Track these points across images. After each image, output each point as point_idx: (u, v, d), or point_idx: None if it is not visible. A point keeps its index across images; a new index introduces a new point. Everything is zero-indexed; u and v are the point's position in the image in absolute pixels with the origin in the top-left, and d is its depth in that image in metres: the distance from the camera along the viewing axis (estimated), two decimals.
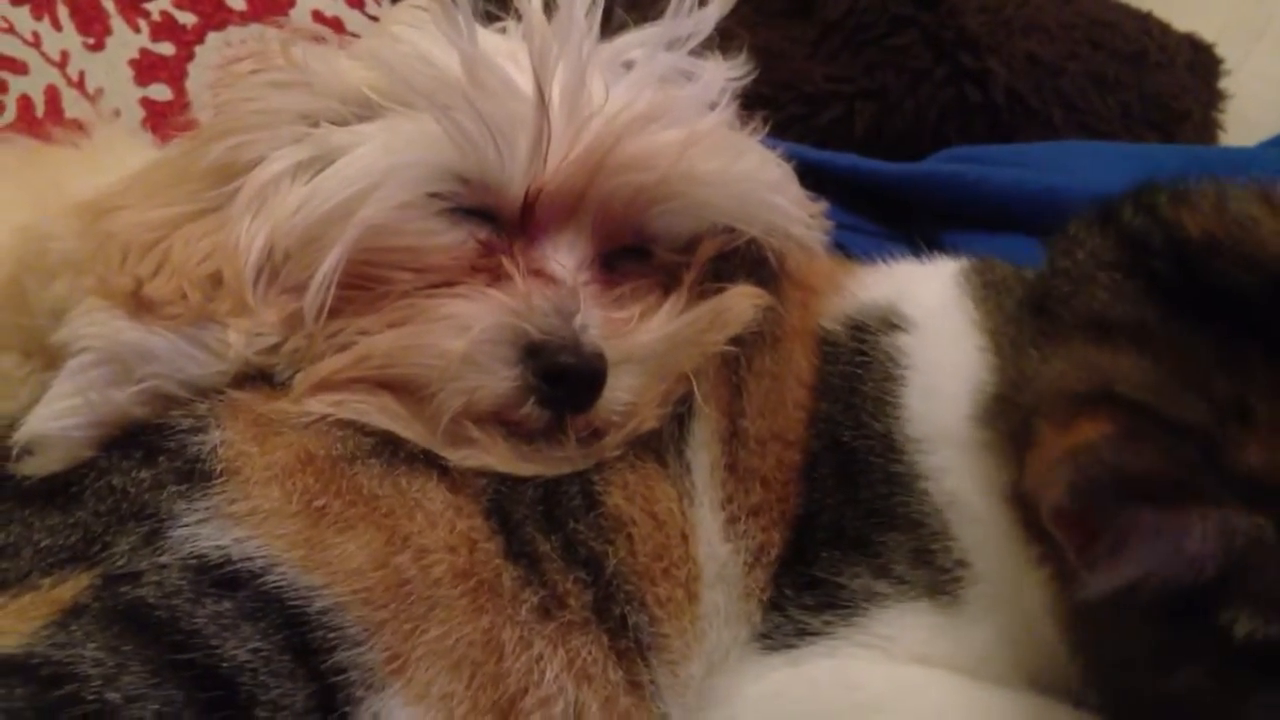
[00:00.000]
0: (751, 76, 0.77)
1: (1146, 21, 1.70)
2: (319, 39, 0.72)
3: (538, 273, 0.66)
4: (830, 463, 0.64)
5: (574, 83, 0.66)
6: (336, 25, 1.25)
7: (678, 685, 0.60)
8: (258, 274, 0.66)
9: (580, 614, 0.59)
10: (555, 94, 0.66)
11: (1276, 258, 0.55)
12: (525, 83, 0.66)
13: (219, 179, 0.68)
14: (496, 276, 0.66)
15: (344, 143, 0.67)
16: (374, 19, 1.32)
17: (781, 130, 1.32)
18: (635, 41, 0.72)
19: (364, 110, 0.69)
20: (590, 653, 0.58)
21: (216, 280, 0.65)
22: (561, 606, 0.59)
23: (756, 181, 0.69)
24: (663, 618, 0.61)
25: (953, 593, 0.60)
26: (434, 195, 0.67)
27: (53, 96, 1.08)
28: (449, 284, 0.66)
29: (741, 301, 0.67)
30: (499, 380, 0.63)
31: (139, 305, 0.63)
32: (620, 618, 0.60)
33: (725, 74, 0.73)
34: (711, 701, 0.61)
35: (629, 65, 0.71)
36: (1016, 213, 1.02)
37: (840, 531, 0.62)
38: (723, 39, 1.43)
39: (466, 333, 0.63)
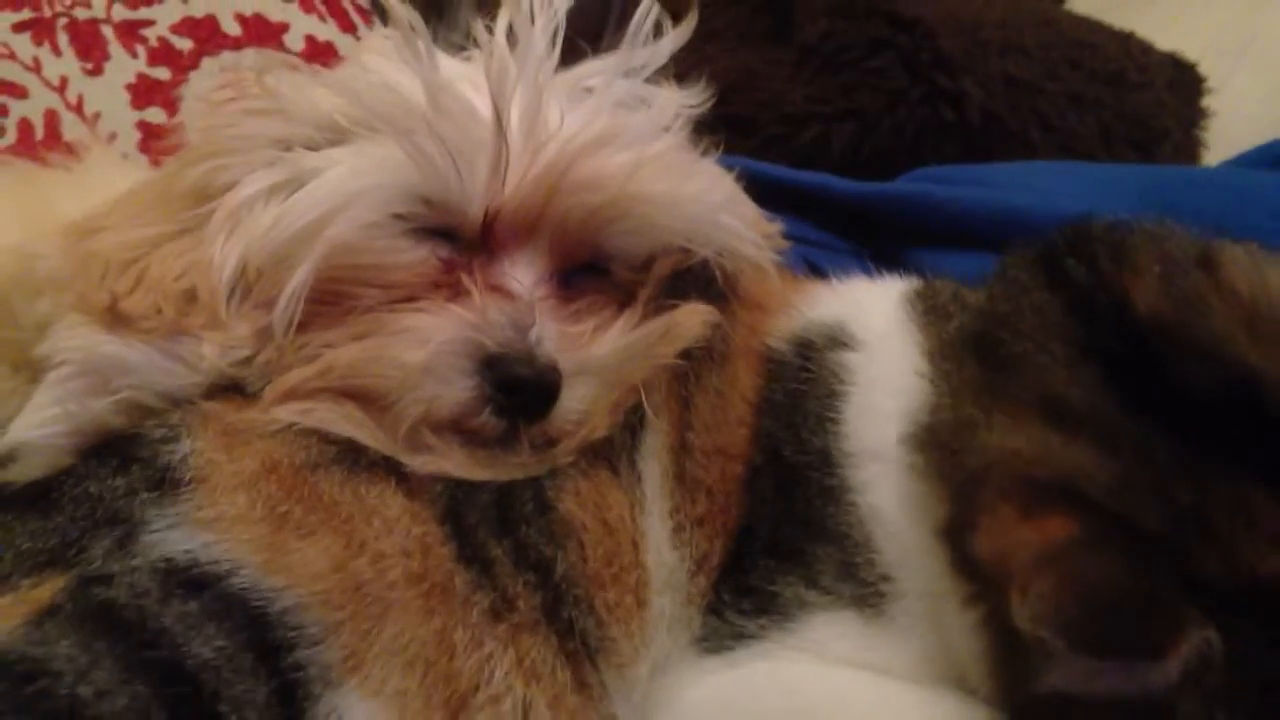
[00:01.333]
0: (709, 103, 0.79)
1: (1127, 42, 1.72)
2: (293, 68, 0.75)
3: (496, 289, 0.70)
4: (770, 476, 0.66)
5: (531, 108, 0.70)
6: (329, 50, 1.29)
7: (625, 686, 0.63)
8: (231, 290, 0.69)
9: (529, 616, 0.62)
10: (514, 119, 0.69)
11: (1221, 351, 0.55)
12: (485, 108, 0.69)
13: (196, 201, 0.71)
14: (457, 293, 0.69)
15: (315, 166, 0.71)
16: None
17: (762, 150, 1.37)
18: (594, 69, 0.75)
19: (335, 135, 0.72)
20: (539, 653, 0.61)
21: (191, 296, 0.69)
22: (511, 609, 0.62)
23: (705, 203, 0.72)
24: (610, 622, 0.63)
25: (877, 606, 0.62)
26: (398, 216, 0.70)
27: (51, 120, 1.12)
28: (412, 300, 0.69)
29: (691, 318, 0.70)
30: (456, 390, 0.66)
31: (116, 320, 0.66)
32: (569, 620, 0.62)
33: (679, 100, 0.76)
34: (655, 704, 0.63)
35: (588, 91, 0.74)
36: (980, 232, 1.04)
37: (776, 542, 0.65)
38: (702, 62, 1.46)
39: (426, 345, 0.66)
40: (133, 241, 0.70)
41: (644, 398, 0.68)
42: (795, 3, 1.47)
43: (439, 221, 0.70)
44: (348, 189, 0.69)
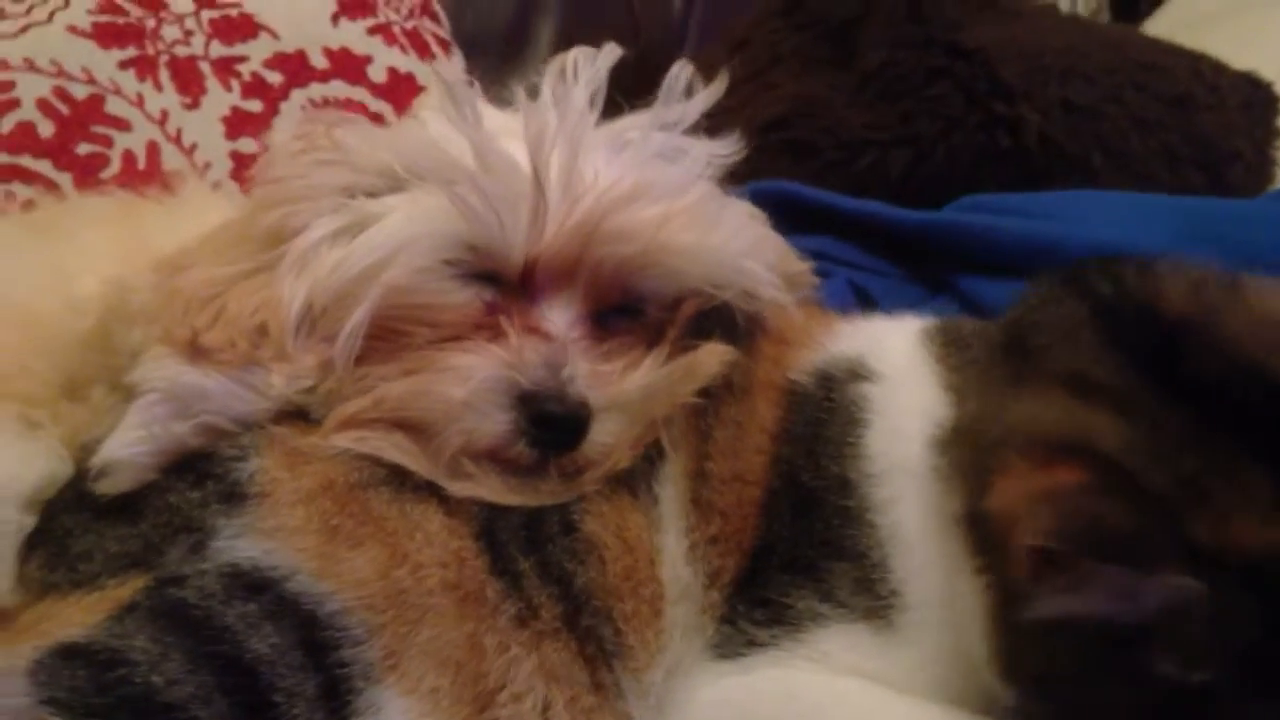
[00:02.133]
0: (741, 154, 0.85)
1: (1198, 63, 1.73)
2: (355, 121, 0.83)
3: (534, 330, 0.76)
4: (788, 500, 0.72)
5: (569, 162, 0.76)
6: (410, 81, 1.37)
7: (640, 689, 0.70)
8: (298, 326, 0.77)
9: (552, 624, 0.69)
10: (553, 172, 0.76)
11: (1238, 349, 0.61)
12: (526, 162, 0.76)
13: (270, 243, 0.79)
14: (498, 333, 0.76)
15: (375, 213, 0.78)
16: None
17: (821, 174, 1.43)
18: (632, 124, 0.82)
19: (394, 184, 0.80)
20: (559, 657, 0.68)
21: (263, 330, 0.77)
22: (536, 617, 0.69)
23: (728, 251, 0.78)
24: (627, 630, 0.70)
25: (887, 617, 0.67)
26: (447, 261, 0.77)
27: (152, 151, 1.22)
28: (458, 339, 0.77)
29: (710, 358, 0.76)
30: (494, 424, 0.73)
31: (196, 352, 0.75)
32: (587, 628, 0.69)
33: (711, 152, 0.82)
34: (670, 704, 0.70)
35: (626, 144, 0.80)
36: (1016, 260, 1.09)
37: (793, 559, 0.70)
38: (767, 88, 1.52)
39: (468, 382, 0.74)
40: (213, 279, 0.78)
41: (662, 431, 0.74)
42: (858, 31, 1.51)
43: (483, 267, 0.77)
44: (402, 236, 0.77)
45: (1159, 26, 2.17)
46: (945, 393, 0.69)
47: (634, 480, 0.74)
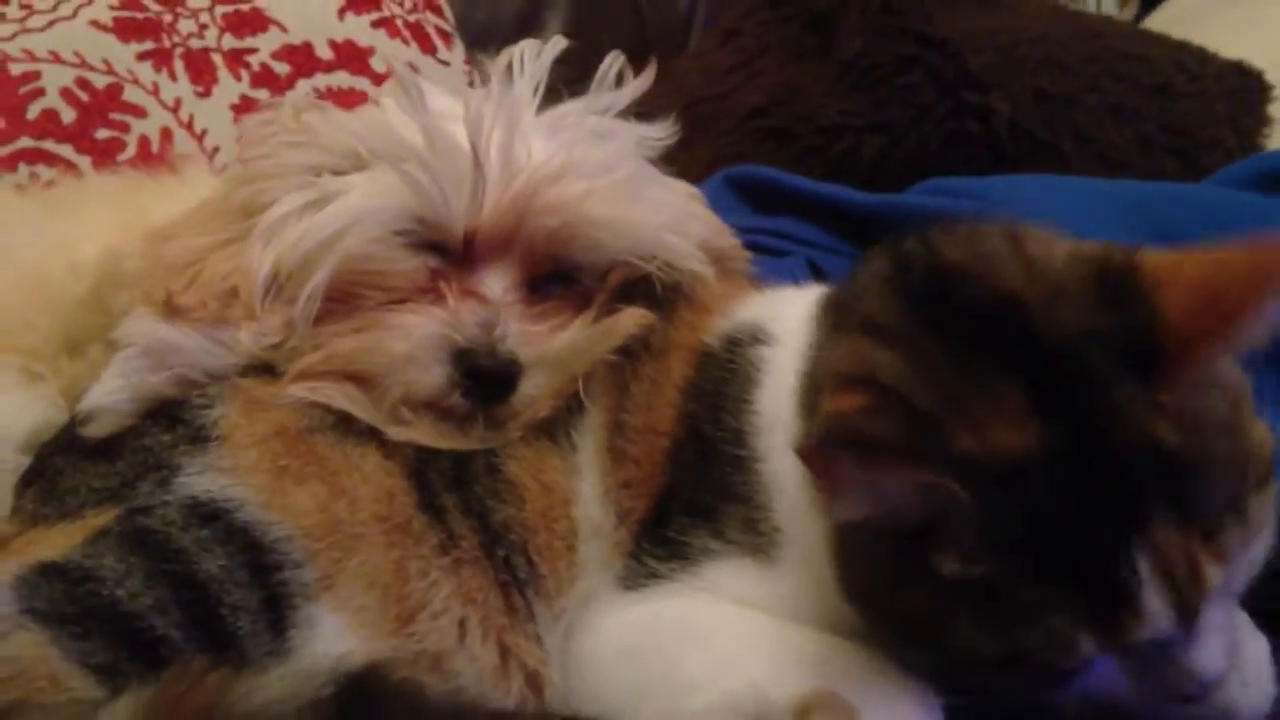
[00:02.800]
0: (674, 138, 0.94)
1: (1181, 52, 1.78)
2: (321, 108, 0.92)
3: (472, 294, 0.85)
4: (691, 449, 0.80)
5: (506, 143, 0.85)
6: (412, 70, 1.46)
7: (551, 614, 0.78)
8: (266, 290, 0.86)
9: (471, 553, 0.78)
10: (493, 152, 0.85)
11: (1002, 287, 0.68)
12: (466, 144, 0.85)
13: (243, 216, 0.88)
14: (439, 297, 0.85)
15: (338, 190, 0.87)
16: (444, 63, 1.53)
17: (800, 159, 1.52)
18: (568, 110, 0.90)
19: (357, 164, 0.89)
20: (476, 582, 0.77)
21: (234, 293, 0.86)
22: (456, 546, 0.78)
23: (647, 225, 0.86)
24: (540, 562, 0.79)
25: (767, 552, 0.75)
26: (397, 232, 0.86)
27: (166, 136, 1.32)
28: (405, 302, 0.85)
29: (629, 321, 0.85)
30: (431, 376, 0.82)
31: (172, 311, 0.84)
32: (504, 559, 0.78)
33: (642, 134, 0.91)
34: (578, 630, 0.79)
35: (561, 128, 0.89)
36: None
37: (692, 502, 0.78)
38: (753, 76, 1.60)
39: (409, 339, 0.82)
40: (191, 248, 0.87)
41: (581, 385, 0.82)
42: (838, 21, 1.58)
43: (429, 238, 0.86)
44: (359, 210, 0.86)
45: (1170, 12, 2.21)
46: (809, 348, 0.76)
47: (556, 429, 0.82)
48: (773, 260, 1.22)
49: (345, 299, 0.86)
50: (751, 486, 0.77)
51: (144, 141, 1.31)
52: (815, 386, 0.73)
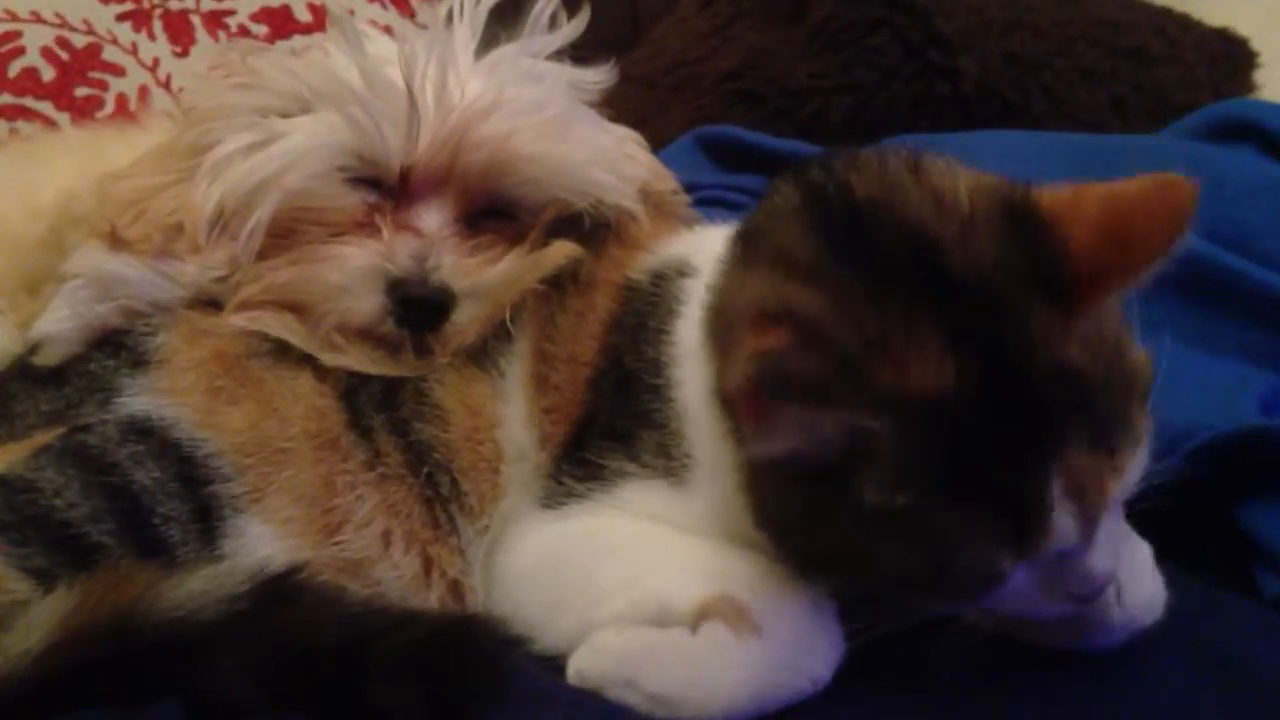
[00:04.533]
0: (611, 81, 0.97)
1: (1162, 18, 1.79)
2: (269, 52, 0.96)
3: (408, 228, 0.88)
4: (611, 378, 0.82)
5: (441, 82, 0.88)
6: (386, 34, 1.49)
7: (474, 529, 0.82)
8: (212, 226, 0.89)
9: (396, 470, 0.81)
10: (428, 91, 0.88)
11: (913, 221, 0.70)
12: (402, 84, 0.88)
13: (191, 155, 0.92)
14: (376, 231, 0.88)
15: (283, 130, 0.91)
16: (423, 26, 1.55)
17: (770, 121, 1.55)
18: (504, 52, 0.93)
19: (304, 106, 0.92)
20: (400, 497, 0.81)
21: (180, 229, 0.89)
22: (382, 463, 0.81)
23: (573, 161, 0.89)
24: (464, 480, 0.82)
25: (679, 475, 0.78)
26: (338, 169, 0.89)
27: (143, 94, 1.36)
28: (344, 235, 0.89)
29: (557, 253, 0.88)
30: (365, 304, 0.85)
31: (118, 244, 0.88)
32: (428, 475, 0.81)
33: (576, 77, 0.94)
34: (500, 546, 0.82)
35: (495, 69, 0.92)
36: None
37: (610, 428, 0.81)
38: (729, 41, 1.62)
39: (344, 269, 0.86)
40: (140, 186, 0.91)
41: (507, 314, 0.85)
42: None
43: (368, 173, 0.89)
44: (301, 147, 0.89)
45: None
46: (715, 276, 0.79)
47: (484, 357, 0.85)
48: (730, 213, 1.24)
49: (287, 234, 0.89)
50: (666, 414, 0.79)
51: (122, 99, 1.35)
52: (726, 320, 0.74)
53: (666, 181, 0.99)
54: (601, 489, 0.80)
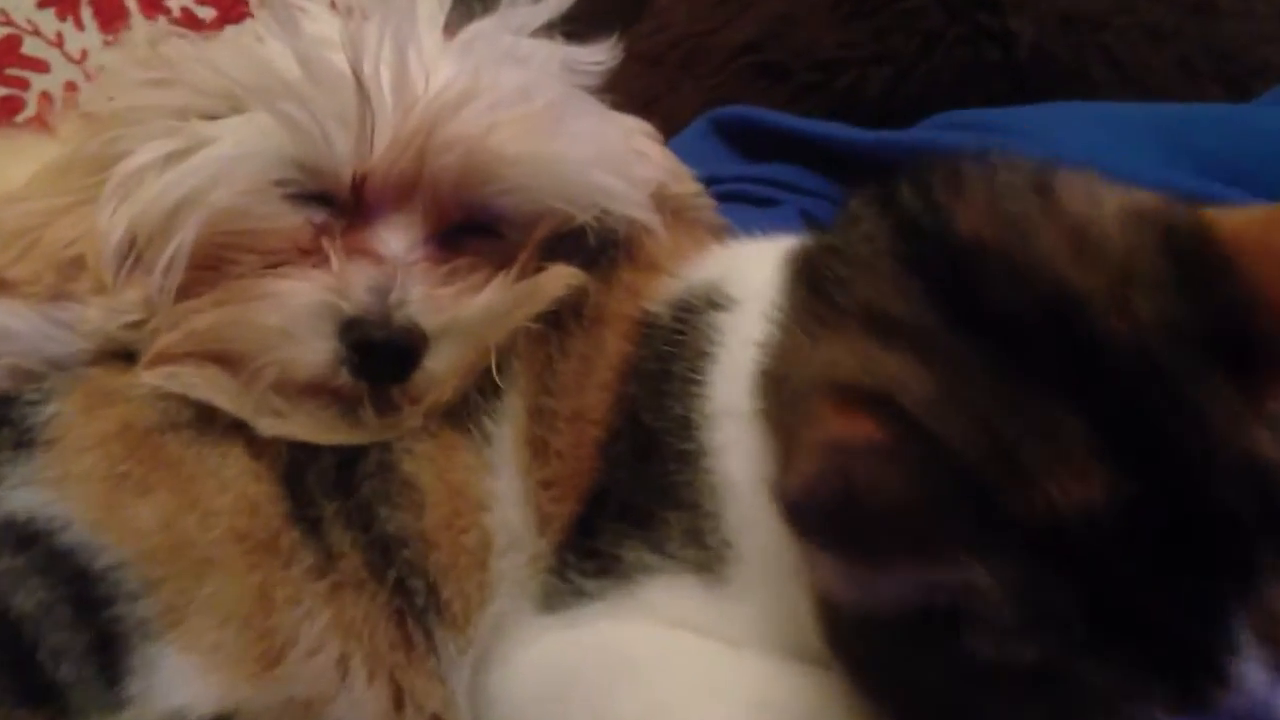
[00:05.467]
0: (613, 61, 0.79)
1: None
2: (187, 38, 0.77)
3: (364, 252, 0.70)
4: (628, 442, 0.65)
5: (399, 68, 0.70)
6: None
7: (456, 646, 0.64)
8: (121, 257, 0.72)
9: (354, 575, 0.63)
10: (384, 80, 0.70)
11: (1047, 271, 0.52)
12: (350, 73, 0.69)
13: (94, 171, 0.74)
14: (325, 258, 0.70)
15: (209, 135, 0.73)
16: None
17: (797, 98, 1.36)
18: (479, 29, 0.75)
19: (235, 105, 0.74)
20: (360, 611, 0.63)
21: (80, 263, 0.72)
22: (334, 568, 0.63)
23: (571, 162, 0.71)
24: (443, 583, 0.64)
25: (717, 570, 0.61)
26: (277, 183, 0.71)
27: (71, 91, 1.17)
28: (286, 265, 0.71)
29: (554, 281, 0.69)
30: (312, 352, 0.67)
31: (1, 287, 0.70)
32: (397, 581, 0.63)
33: (570, 57, 0.75)
34: (490, 663, 0.64)
35: (469, 50, 0.74)
36: None
37: (626, 507, 0.64)
38: (742, 10, 1.45)
39: (284, 308, 0.68)
40: (31, 212, 0.73)
41: (493, 362, 0.67)
42: None
43: (314, 187, 0.71)
44: (229, 157, 0.71)
45: None
46: (773, 318, 0.61)
47: (465, 416, 0.68)
48: (758, 211, 1.08)
49: (215, 266, 0.72)
50: (698, 489, 0.62)
51: (45, 99, 1.19)
52: (788, 391, 0.57)
53: (686, 183, 0.82)
54: (618, 587, 0.63)
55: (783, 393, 0.58)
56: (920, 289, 0.54)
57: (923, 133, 1.15)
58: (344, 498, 0.65)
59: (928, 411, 0.49)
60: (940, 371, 0.51)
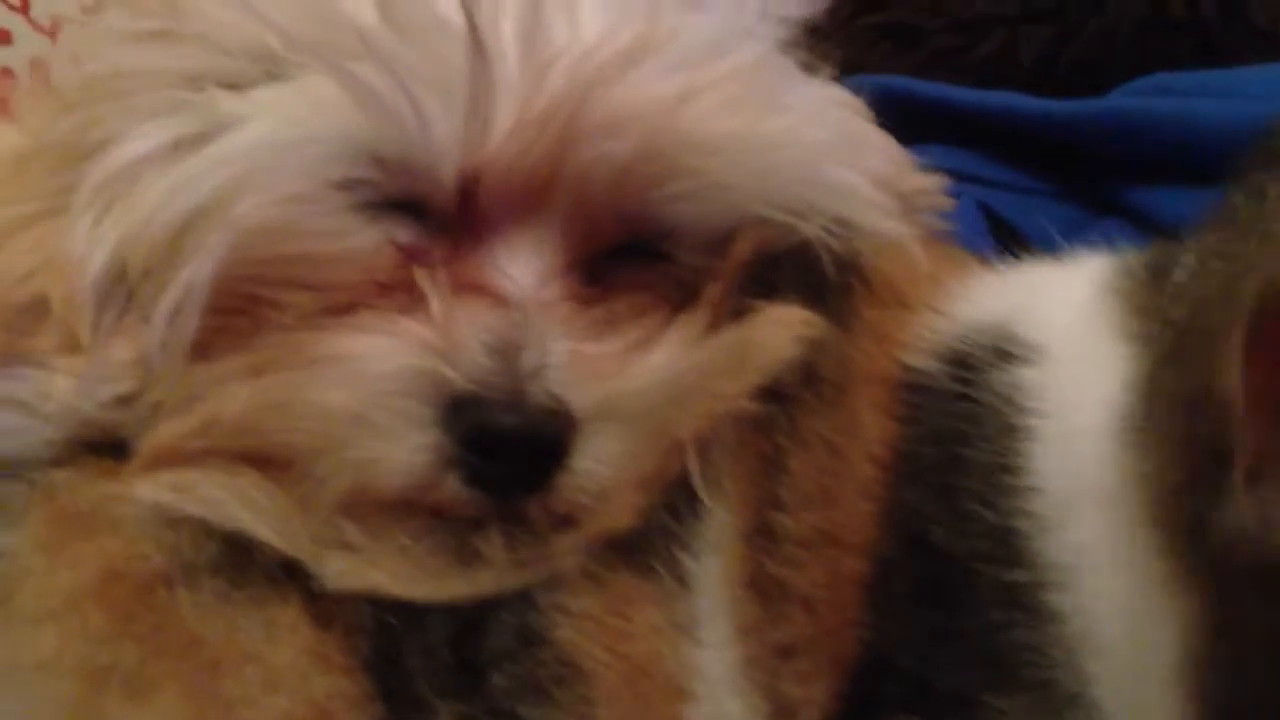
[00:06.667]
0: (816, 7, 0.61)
1: None
2: None
3: (478, 288, 0.50)
4: (913, 576, 0.46)
5: (529, 12, 0.50)
6: None
7: None
8: (103, 298, 0.52)
9: None
10: (505, 31, 0.50)
11: None
12: (459, 16, 0.49)
13: (61, 167, 0.54)
14: (416, 297, 0.50)
15: (233, 113, 0.52)
16: None
17: (930, 66, 1.19)
18: None
19: (270, 68, 0.53)
20: None
21: (43, 307, 0.51)
22: None
23: (799, 148, 0.51)
24: None
25: None
26: (339, 185, 0.52)
27: (40, 68, 1.03)
28: (353, 309, 0.51)
29: (777, 332, 0.49)
30: (405, 450, 0.48)
31: None
32: None
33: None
34: None
35: None
36: (1222, 157, 0.83)
37: (924, 686, 0.45)
38: None
39: (359, 381, 0.48)
40: None
41: (693, 461, 0.47)
42: None
43: (399, 191, 0.52)
44: (266, 144, 0.51)
45: None
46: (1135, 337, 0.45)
47: (646, 549, 0.48)
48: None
49: (249, 310, 0.52)
50: (1044, 643, 0.43)
51: (6, 76, 1.01)
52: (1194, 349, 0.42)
53: (912, 175, 0.61)
54: None
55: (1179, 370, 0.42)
56: None
57: (1127, 100, 1.00)
58: (467, 692, 0.44)
59: None
60: None
